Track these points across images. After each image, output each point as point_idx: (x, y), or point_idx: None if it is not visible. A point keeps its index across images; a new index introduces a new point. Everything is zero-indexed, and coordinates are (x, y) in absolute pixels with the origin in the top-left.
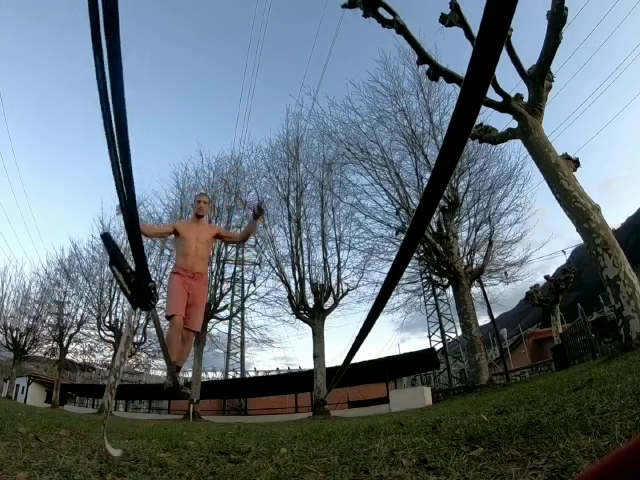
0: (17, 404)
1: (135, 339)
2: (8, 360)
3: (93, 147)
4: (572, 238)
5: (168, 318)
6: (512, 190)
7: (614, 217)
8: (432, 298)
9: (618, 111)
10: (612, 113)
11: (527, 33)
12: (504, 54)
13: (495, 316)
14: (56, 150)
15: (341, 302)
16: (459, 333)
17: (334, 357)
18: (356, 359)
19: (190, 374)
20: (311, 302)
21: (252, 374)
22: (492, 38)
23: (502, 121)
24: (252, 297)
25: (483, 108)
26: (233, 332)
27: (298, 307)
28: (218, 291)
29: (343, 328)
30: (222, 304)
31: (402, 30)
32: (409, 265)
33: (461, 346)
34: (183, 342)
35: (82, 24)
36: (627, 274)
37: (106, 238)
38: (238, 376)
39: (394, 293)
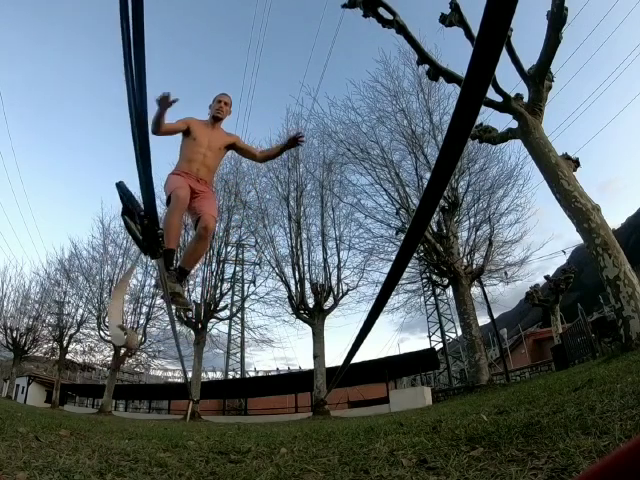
0: (17, 404)
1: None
2: (8, 360)
3: (93, 147)
4: (572, 238)
5: (168, 201)
6: (512, 190)
7: (614, 217)
8: (432, 298)
9: (618, 111)
10: (612, 113)
11: (527, 33)
12: (504, 54)
13: (495, 316)
14: (56, 150)
15: (341, 302)
16: (459, 333)
17: (334, 357)
18: (356, 359)
19: (190, 374)
20: (311, 302)
21: (252, 374)
22: (492, 38)
23: (502, 121)
24: (252, 297)
25: (483, 108)
26: (233, 332)
27: (298, 307)
28: (218, 291)
29: (343, 328)
30: (222, 304)
31: (402, 30)
32: (409, 265)
33: (461, 346)
34: (198, 239)
35: (83, 24)
36: (627, 274)
37: (120, 186)
38: (238, 376)
39: (394, 293)
